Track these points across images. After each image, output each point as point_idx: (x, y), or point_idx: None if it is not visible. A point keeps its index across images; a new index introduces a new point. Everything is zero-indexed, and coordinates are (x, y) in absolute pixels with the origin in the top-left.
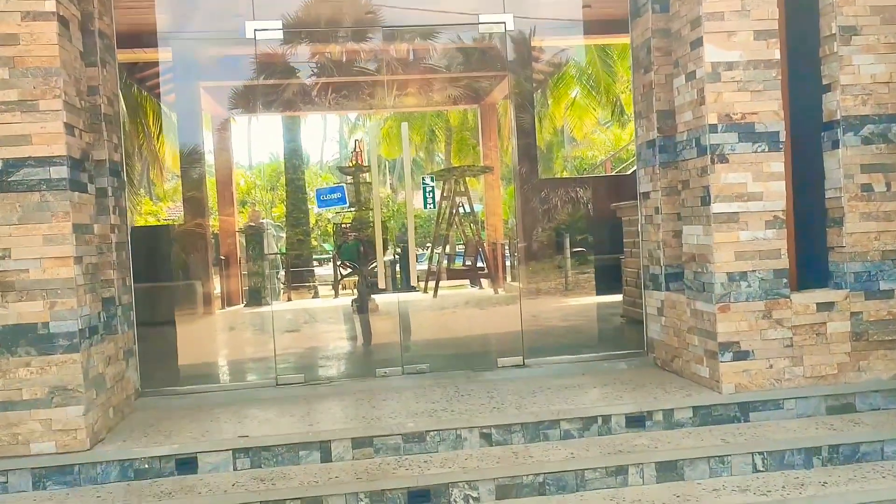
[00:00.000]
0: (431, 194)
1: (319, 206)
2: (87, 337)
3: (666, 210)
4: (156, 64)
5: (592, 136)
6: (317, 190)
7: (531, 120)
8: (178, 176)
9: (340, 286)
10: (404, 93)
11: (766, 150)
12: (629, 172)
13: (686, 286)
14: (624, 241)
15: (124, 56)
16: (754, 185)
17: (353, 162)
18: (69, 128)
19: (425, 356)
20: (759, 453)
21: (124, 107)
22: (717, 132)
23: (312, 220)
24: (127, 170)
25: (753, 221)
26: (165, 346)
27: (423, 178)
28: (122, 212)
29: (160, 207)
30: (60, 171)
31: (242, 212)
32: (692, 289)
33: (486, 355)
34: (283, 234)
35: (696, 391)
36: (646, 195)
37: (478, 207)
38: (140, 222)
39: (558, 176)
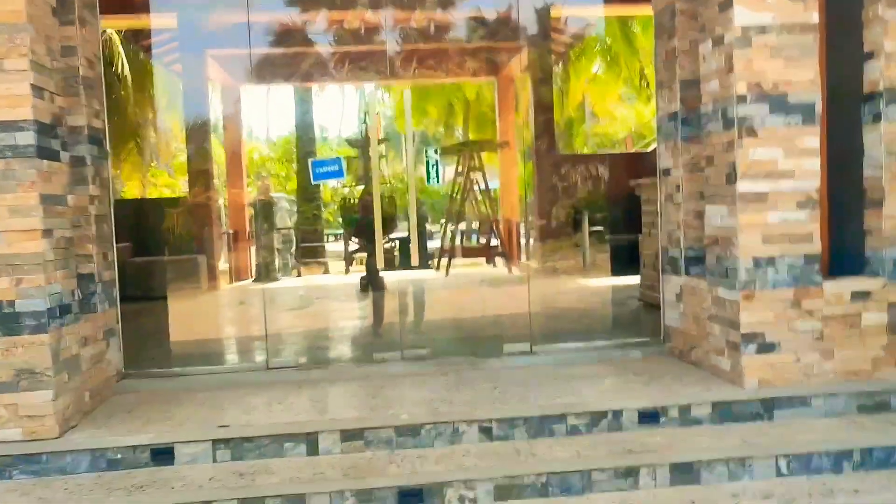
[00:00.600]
0: (436, 169)
1: (315, 179)
2: (58, 316)
3: (688, 188)
4: (161, 31)
5: (614, 112)
6: (312, 162)
7: (550, 94)
8: (182, 148)
9: (351, 262)
10: (414, 64)
11: (800, 123)
12: (651, 149)
13: (708, 271)
14: (642, 220)
15: (128, 23)
16: (786, 162)
17: (363, 135)
18: (37, 90)
19: (428, 340)
20: (784, 456)
21: (130, 76)
22: (745, 103)
23: (327, 196)
24: (137, 140)
25: (783, 202)
26: (157, 325)
27: (427, 152)
28: (103, 182)
29: (165, 177)
30: (27, 137)
31: (252, 184)
32: (714, 274)
33: (492, 340)
34: (296, 209)
35: (715, 385)
36: (666, 172)
37: (494, 184)
38: (154, 194)
39: (577, 152)
